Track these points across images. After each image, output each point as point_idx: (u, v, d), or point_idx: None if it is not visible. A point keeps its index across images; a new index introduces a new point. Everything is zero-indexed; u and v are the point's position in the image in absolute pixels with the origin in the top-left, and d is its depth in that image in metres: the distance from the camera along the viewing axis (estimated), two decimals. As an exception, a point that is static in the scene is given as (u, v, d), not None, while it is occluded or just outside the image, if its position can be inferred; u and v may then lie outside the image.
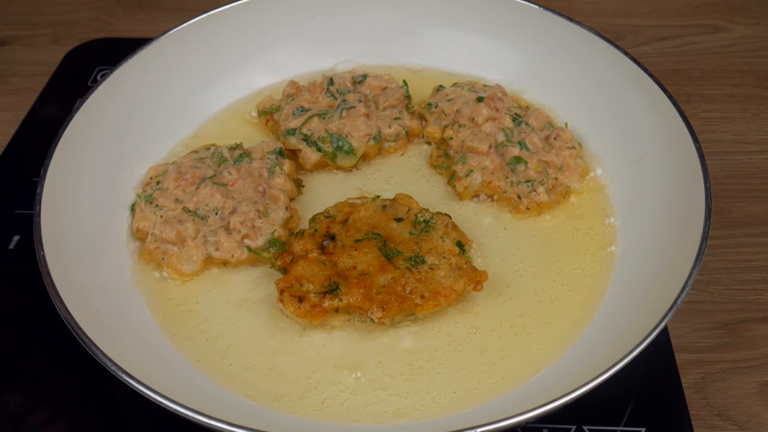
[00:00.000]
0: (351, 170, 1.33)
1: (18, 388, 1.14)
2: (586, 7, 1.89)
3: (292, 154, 1.32)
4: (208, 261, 1.16)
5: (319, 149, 1.30)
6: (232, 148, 1.29)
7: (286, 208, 1.20)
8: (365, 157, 1.33)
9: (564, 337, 1.08)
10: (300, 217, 1.23)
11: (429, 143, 1.37)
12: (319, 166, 1.32)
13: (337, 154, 1.30)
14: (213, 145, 1.31)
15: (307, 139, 1.31)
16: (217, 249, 1.15)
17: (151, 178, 1.25)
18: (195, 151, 1.30)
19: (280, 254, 1.13)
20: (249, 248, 1.15)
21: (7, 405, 1.11)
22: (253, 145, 1.29)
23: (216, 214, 1.18)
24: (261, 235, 1.16)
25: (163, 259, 1.16)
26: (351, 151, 1.30)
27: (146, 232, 1.18)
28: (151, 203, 1.20)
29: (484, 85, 1.40)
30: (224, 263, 1.16)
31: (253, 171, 1.24)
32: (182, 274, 1.15)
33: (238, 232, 1.16)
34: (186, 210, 1.19)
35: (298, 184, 1.30)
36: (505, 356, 1.07)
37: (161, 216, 1.18)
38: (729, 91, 1.64)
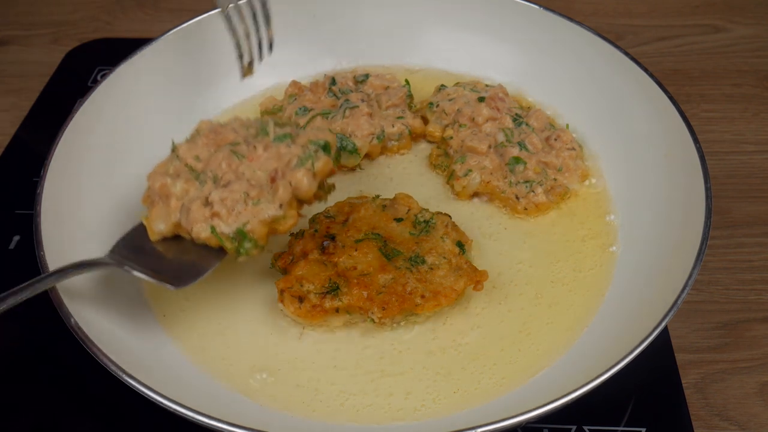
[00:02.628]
0: (354, 170, 1.33)
1: (17, 387, 1.14)
2: (585, 7, 1.89)
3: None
4: (177, 227, 1.03)
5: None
6: (281, 125, 1.09)
7: (281, 205, 1.01)
8: (368, 156, 1.33)
9: (564, 337, 1.09)
10: (297, 223, 1.05)
11: (432, 142, 1.37)
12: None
13: (341, 154, 1.30)
14: (274, 115, 1.29)
15: None
16: (186, 218, 1.01)
17: (197, 131, 1.10)
18: (266, 113, 1.34)
19: (280, 255, 1.13)
20: (213, 229, 0.99)
21: (4, 396, 1.12)
22: (306, 130, 1.09)
23: (214, 182, 1.03)
24: (234, 222, 0.99)
25: (149, 209, 1.05)
26: (355, 151, 1.29)
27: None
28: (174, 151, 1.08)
29: (486, 85, 1.40)
30: (190, 235, 1.02)
31: (284, 156, 1.04)
32: (153, 233, 1.04)
33: (210, 208, 1.00)
34: (190, 168, 1.05)
35: (327, 190, 1.09)
36: (505, 356, 1.07)
37: (173, 166, 1.05)
38: (729, 91, 1.64)
